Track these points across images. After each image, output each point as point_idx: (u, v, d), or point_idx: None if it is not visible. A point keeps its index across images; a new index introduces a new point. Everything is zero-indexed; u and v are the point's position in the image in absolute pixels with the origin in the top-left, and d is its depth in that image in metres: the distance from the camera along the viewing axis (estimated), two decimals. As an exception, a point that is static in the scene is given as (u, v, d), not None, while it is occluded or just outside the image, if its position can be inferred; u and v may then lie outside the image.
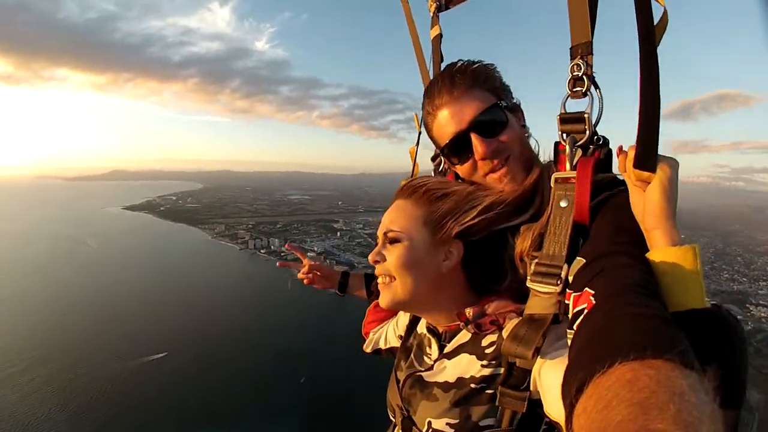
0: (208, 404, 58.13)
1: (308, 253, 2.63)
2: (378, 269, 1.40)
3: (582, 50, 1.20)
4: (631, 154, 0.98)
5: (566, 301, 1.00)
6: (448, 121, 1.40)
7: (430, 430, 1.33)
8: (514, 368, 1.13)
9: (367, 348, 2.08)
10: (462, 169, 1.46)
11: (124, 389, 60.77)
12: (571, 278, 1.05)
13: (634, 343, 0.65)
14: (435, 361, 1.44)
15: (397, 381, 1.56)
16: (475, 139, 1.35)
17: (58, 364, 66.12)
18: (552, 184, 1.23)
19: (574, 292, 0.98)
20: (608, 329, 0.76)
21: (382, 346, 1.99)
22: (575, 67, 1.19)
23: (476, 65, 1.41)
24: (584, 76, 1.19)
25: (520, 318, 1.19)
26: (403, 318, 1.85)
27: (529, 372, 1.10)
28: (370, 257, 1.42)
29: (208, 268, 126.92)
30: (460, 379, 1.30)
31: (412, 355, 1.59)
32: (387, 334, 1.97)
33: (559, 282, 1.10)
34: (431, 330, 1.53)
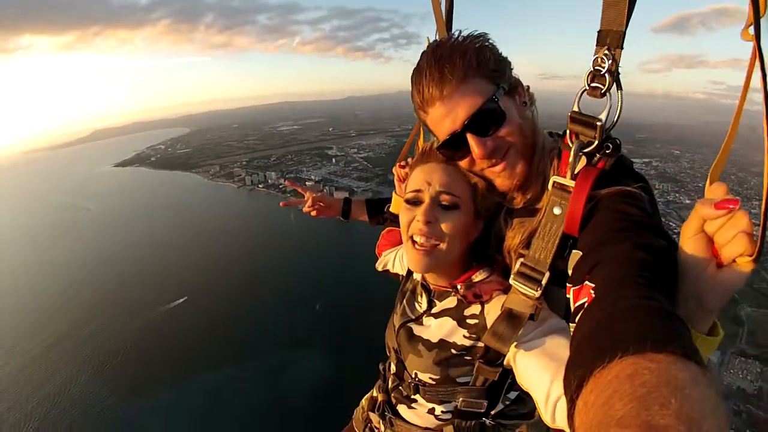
0: (233, 342, 60.97)
1: (307, 182, 2.88)
2: (427, 229, 1.39)
3: (611, 40, 1.07)
4: (742, 224, 0.81)
5: (567, 296, 1.00)
6: (441, 118, 1.31)
7: (417, 379, 1.56)
8: (491, 349, 1.24)
9: (379, 267, 2.18)
10: (460, 163, 1.42)
11: (154, 337, 63.64)
12: (570, 272, 1.04)
13: (635, 337, 0.65)
14: (423, 314, 1.58)
15: (394, 325, 1.73)
16: (471, 139, 1.28)
17: (87, 329, 68.33)
18: (550, 187, 1.19)
19: (573, 285, 0.98)
20: (608, 323, 0.75)
21: (390, 268, 2.10)
22: (600, 59, 1.08)
23: (466, 48, 1.26)
24: (607, 74, 1.08)
25: (504, 296, 1.28)
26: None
27: (505, 355, 1.22)
28: (424, 217, 1.39)
29: (210, 210, 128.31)
30: (442, 341, 1.46)
31: (405, 301, 1.73)
32: (395, 260, 2.06)
33: (538, 288, 1.14)
34: (424, 285, 1.63)
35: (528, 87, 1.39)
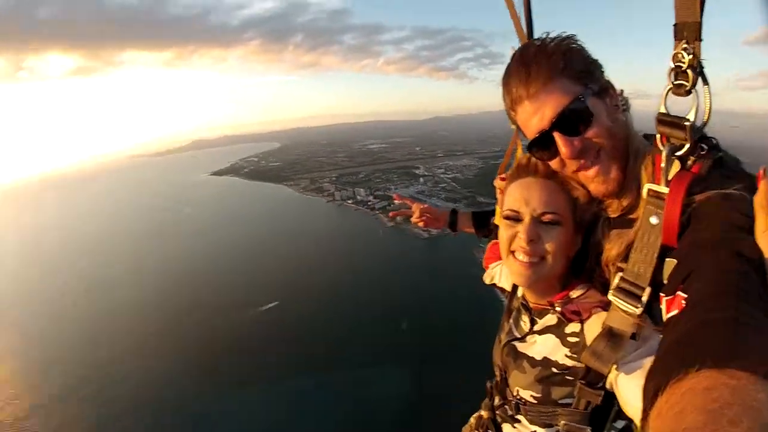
0: (320, 350, 61.59)
1: (395, 201, 2.96)
2: (530, 248, 1.38)
3: (688, 33, 1.02)
4: None
5: (660, 306, 0.98)
6: (529, 116, 1.30)
7: (518, 396, 1.54)
8: (592, 370, 1.20)
9: (486, 279, 2.17)
10: (551, 164, 1.39)
11: (245, 339, 66.04)
12: (665, 281, 1.01)
13: (717, 351, 0.63)
14: (527, 334, 1.57)
15: (500, 342, 1.73)
16: (558, 138, 1.26)
17: (179, 327, 72.49)
18: (644, 195, 1.14)
19: (667, 295, 0.94)
20: (693, 335, 0.73)
21: (497, 281, 2.07)
22: (679, 55, 1.03)
23: (553, 48, 1.26)
24: (690, 69, 1.02)
25: (603, 313, 1.24)
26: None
27: (606, 375, 1.18)
28: (526, 236, 1.38)
29: (300, 221, 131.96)
30: (545, 359, 1.43)
31: (512, 320, 1.72)
32: (502, 274, 2.03)
33: (639, 305, 1.09)
34: (524, 304, 1.62)
35: (621, 91, 1.34)
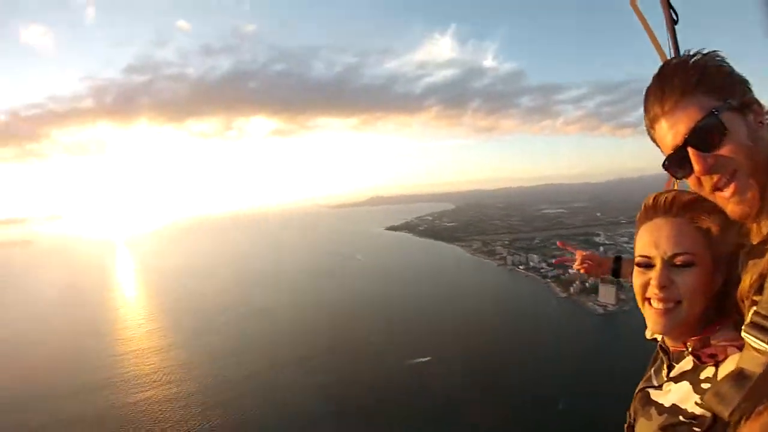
0: (456, 410, 61.58)
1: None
2: (663, 295, 1.32)
3: None
4: None
5: None
6: (665, 133, 1.26)
7: None
8: (718, 418, 1.07)
9: (648, 334, 2.03)
10: (689, 183, 1.31)
11: (391, 385, 69.71)
12: None
13: None
14: (664, 383, 1.46)
15: (636, 389, 1.64)
16: (692, 154, 1.19)
17: (340, 357, 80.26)
18: None
19: None
20: None
21: (658, 337, 1.90)
22: None
23: (689, 65, 1.21)
24: None
25: (739, 354, 1.12)
26: None
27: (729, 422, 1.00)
28: (658, 282, 1.32)
29: (467, 282, 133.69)
30: (674, 407, 1.32)
31: (653, 369, 1.63)
32: None
33: None
34: (662, 347, 1.53)
35: None
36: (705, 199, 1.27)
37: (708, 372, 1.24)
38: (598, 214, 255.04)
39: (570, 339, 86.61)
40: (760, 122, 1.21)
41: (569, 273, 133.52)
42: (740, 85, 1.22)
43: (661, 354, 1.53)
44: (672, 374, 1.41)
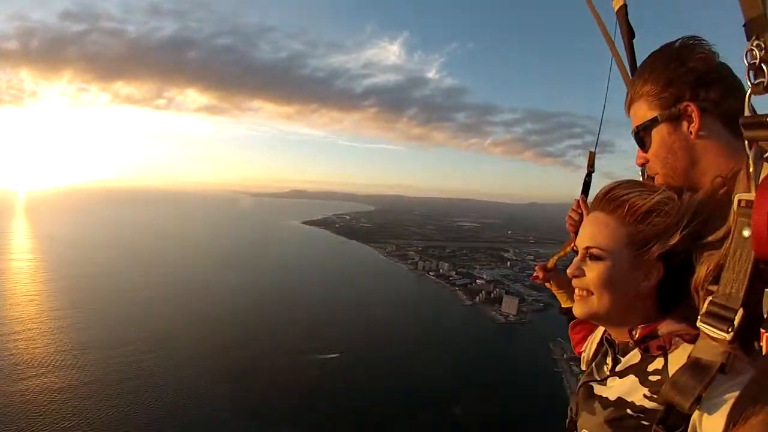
0: (361, 413, 60.02)
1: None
2: (575, 282, 1.38)
3: (756, 27, 0.96)
4: None
5: (760, 344, 0.90)
6: (631, 117, 1.45)
7: None
8: (672, 410, 1.06)
9: (583, 366, 1.96)
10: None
11: (298, 382, 66.32)
12: (766, 314, 0.92)
13: None
14: (608, 376, 1.43)
15: (578, 384, 1.61)
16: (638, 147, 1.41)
17: (239, 354, 74.43)
18: (735, 207, 1.03)
19: None
20: None
21: (600, 330, 1.87)
22: (752, 53, 0.96)
23: (644, 69, 1.36)
24: (763, 64, 0.95)
25: (691, 345, 1.12)
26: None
27: (688, 417, 1.02)
28: (569, 270, 1.39)
29: (378, 283, 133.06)
30: (620, 399, 1.29)
31: (595, 363, 1.60)
32: (592, 347, 1.88)
33: (730, 329, 0.96)
34: (608, 340, 1.51)
35: (720, 116, 1.25)
36: (645, 196, 1.28)
37: (657, 364, 1.23)
38: (509, 232, 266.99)
39: (472, 344, 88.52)
40: (691, 132, 1.26)
41: (475, 283, 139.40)
42: (696, 89, 1.24)
43: (606, 346, 1.51)
44: (618, 368, 1.39)
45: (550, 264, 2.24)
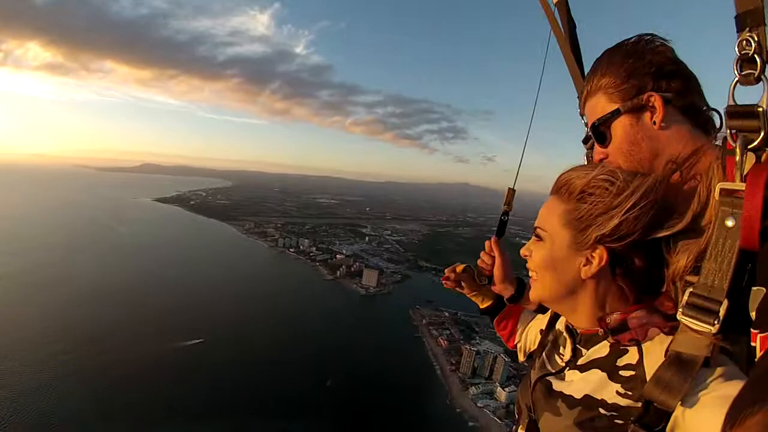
0: (237, 395, 59.19)
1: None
2: (528, 264, 1.36)
3: (750, 20, 0.95)
4: None
5: (752, 344, 0.85)
6: (587, 112, 1.41)
7: None
8: (651, 407, 0.98)
9: (521, 357, 1.94)
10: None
11: (161, 371, 62.75)
12: (753, 313, 0.88)
13: None
14: (566, 366, 1.33)
15: (530, 381, 1.48)
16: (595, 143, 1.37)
17: (92, 347, 68.08)
18: (716, 197, 0.99)
19: (761, 332, 0.82)
20: None
21: (531, 347, 1.82)
22: (744, 43, 0.94)
23: (609, 59, 1.31)
24: (756, 56, 0.93)
25: (668, 338, 1.06)
26: (542, 319, 1.76)
27: (668, 414, 0.95)
28: (522, 250, 1.37)
29: (238, 262, 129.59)
30: (587, 398, 1.18)
31: (544, 354, 1.50)
32: (527, 334, 1.87)
33: (716, 321, 0.91)
34: (569, 329, 1.40)
35: (689, 106, 1.24)
36: (584, 174, 1.23)
37: (629, 358, 1.13)
38: (367, 209, 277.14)
39: (335, 317, 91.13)
40: (655, 122, 1.24)
41: (336, 258, 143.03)
42: (648, 85, 1.23)
43: (565, 335, 1.40)
44: (580, 362, 1.28)
45: (459, 269, 2.12)
